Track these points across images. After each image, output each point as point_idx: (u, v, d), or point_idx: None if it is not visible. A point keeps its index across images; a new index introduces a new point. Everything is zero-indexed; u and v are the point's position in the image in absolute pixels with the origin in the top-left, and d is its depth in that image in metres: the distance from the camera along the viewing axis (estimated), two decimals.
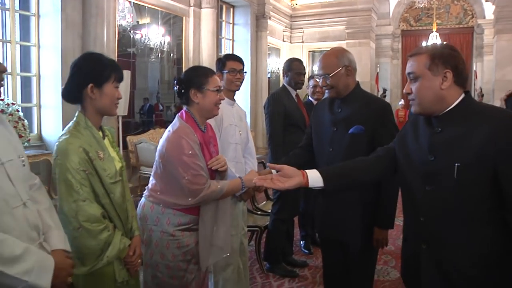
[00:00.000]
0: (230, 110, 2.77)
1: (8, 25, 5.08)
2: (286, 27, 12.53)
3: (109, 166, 1.81)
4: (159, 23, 7.45)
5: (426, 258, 1.60)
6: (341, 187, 1.92)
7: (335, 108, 2.33)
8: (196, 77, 2.16)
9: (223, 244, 2.23)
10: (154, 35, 7.21)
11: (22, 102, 5.29)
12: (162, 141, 2.13)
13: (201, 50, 8.16)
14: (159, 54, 7.46)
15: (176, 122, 2.16)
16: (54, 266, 1.36)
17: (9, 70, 5.03)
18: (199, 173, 2.03)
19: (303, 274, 3.73)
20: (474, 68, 13.32)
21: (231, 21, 10.10)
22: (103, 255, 1.73)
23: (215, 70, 2.53)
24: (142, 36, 7.02)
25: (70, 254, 1.54)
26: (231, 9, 10.08)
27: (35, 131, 5.43)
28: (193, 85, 2.14)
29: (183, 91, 2.17)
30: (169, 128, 2.15)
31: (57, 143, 1.76)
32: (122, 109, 5.19)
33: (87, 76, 1.78)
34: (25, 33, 5.33)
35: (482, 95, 11.50)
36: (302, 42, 12.76)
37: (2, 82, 1.40)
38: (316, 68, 11.17)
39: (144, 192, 2.23)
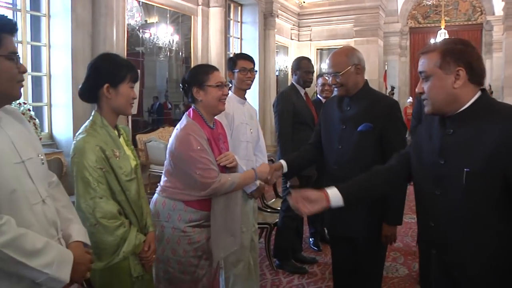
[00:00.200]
0: (241, 109, 2.81)
1: (20, 25, 5.13)
2: (294, 25, 12.51)
3: (125, 164, 1.85)
4: (168, 22, 7.49)
5: (435, 263, 1.57)
6: (360, 202, 2.04)
7: (344, 106, 2.35)
8: (197, 75, 2.20)
9: (234, 231, 2.25)
10: (163, 34, 7.24)
11: (33, 101, 5.34)
12: (171, 139, 2.17)
13: (209, 49, 8.19)
14: (168, 53, 7.50)
15: (183, 120, 2.20)
16: (73, 260, 1.39)
17: None
18: (210, 167, 2.06)
19: (313, 271, 3.76)
20: None
21: (239, 20, 10.11)
22: (119, 250, 1.77)
23: (225, 69, 2.56)
24: (150, 35, 7.06)
25: (89, 250, 1.57)
26: (239, 8, 10.09)
27: (46, 130, 5.49)
28: (194, 83, 2.18)
29: (187, 90, 2.21)
30: (177, 126, 2.19)
31: (74, 142, 1.81)
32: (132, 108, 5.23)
33: (103, 76, 1.82)
34: (36, 33, 5.39)
35: (491, 92, 11.43)
36: (310, 40, 12.72)
37: (22, 82, 1.44)
38: (325, 66, 11.18)
39: (157, 189, 2.26)
